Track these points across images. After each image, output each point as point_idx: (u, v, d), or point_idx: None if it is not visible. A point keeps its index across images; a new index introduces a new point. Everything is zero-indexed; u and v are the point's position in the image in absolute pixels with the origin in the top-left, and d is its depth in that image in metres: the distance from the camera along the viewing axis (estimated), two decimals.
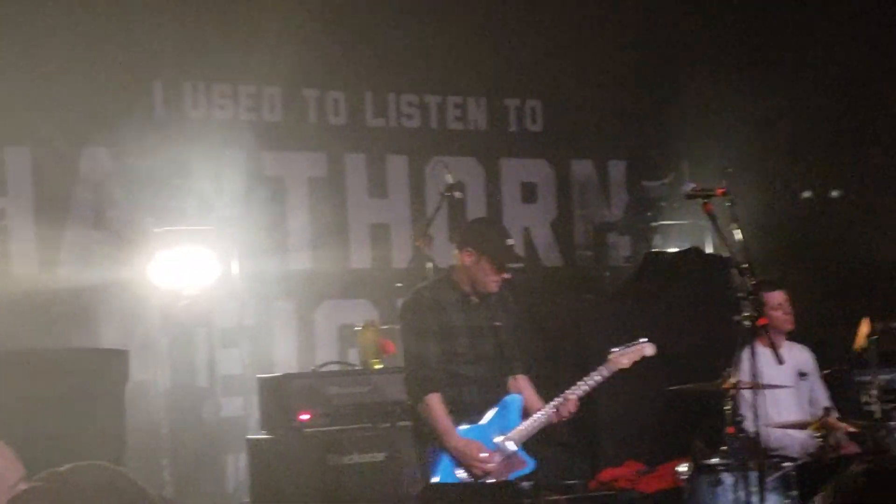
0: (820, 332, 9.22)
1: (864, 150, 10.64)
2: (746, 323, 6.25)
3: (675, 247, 10.26)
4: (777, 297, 8.02)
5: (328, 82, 9.72)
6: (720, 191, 6.45)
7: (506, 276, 6.46)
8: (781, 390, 7.48)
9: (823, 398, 7.98)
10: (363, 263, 9.77)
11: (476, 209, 9.83)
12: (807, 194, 10.64)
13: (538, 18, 10.14)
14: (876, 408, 7.65)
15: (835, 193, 10.66)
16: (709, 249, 10.11)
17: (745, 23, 10.59)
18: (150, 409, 8.66)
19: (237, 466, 8.84)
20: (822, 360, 8.47)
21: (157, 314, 8.70)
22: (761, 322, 6.23)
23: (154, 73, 9.18)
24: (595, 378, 6.55)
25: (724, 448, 6.75)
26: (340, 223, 9.73)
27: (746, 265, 6.38)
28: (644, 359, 6.70)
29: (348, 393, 7.91)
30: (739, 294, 6.31)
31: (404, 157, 10.02)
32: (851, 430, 7.34)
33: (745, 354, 6.71)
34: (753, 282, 6.33)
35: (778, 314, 7.97)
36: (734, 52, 10.47)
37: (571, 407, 6.47)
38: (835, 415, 7.49)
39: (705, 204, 6.43)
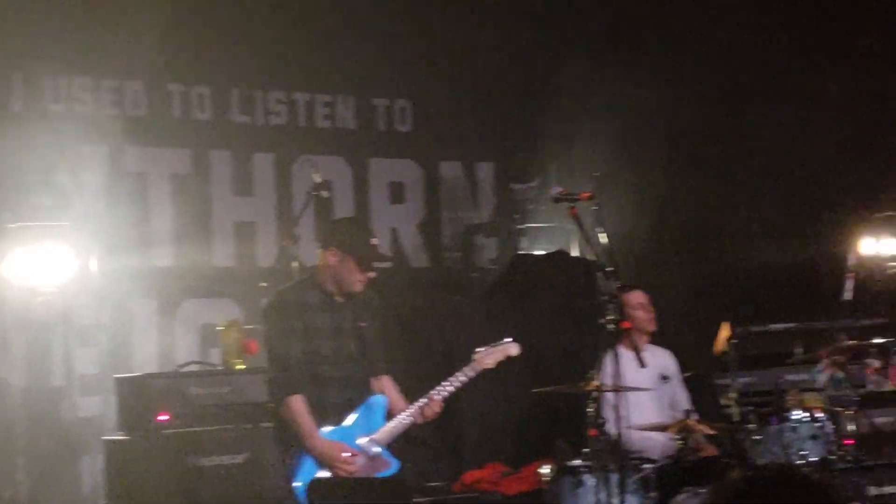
0: (681, 336, 9.34)
1: (728, 157, 10.80)
2: (610, 326, 6.29)
3: (541, 249, 10.32)
4: (637, 297, 8.10)
5: (194, 77, 9.55)
6: (585, 195, 6.49)
7: (371, 275, 6.41)
8: (643, 393, 7.55)
9: (684, 401, 8.07)
10: (227, 262, 9.63)
11: (343, 209, 9.75)
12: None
13: (408, 18, 10.08)
14: (734, 411, 7.76)
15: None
16: (575, 253, 10.18)
17: (614, 28, 10.68)
18: (4, 408, 8.45)
19: (94, 468, 8.62)
20: (684, 364, 8.57)
21: (12, 312, 8.47)
22: (624, 325, 6.27)
23: (13, 66, 8.93)
24: (460, 378, 6.53)
25: (586, 450, 6.79)
26: (204, 221, 9.57)
27: (612, 269, 6.42)
28: (509, 359, 6.69)
29: (209, 393, 7.81)
30: (604, 297, 6.34)
31: (271, 155, 9.89)
32: (710, 432, 7.43)
33: (609, 357, 6.77)
34: (618, 285, 6.38)
35: (639, 314, 8.05)
36: (604, 57, 10.54)
37: (436, 408, 6.45)
38: (694, 417, 7.58)
39: (571, 208, 6.45)
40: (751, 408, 7.94)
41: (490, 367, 6.60)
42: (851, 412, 8.05)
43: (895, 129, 10.74)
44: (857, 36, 10.60)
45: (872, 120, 10.84)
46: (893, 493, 8.29)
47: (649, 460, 7.27)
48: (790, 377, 8.93)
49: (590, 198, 6.49)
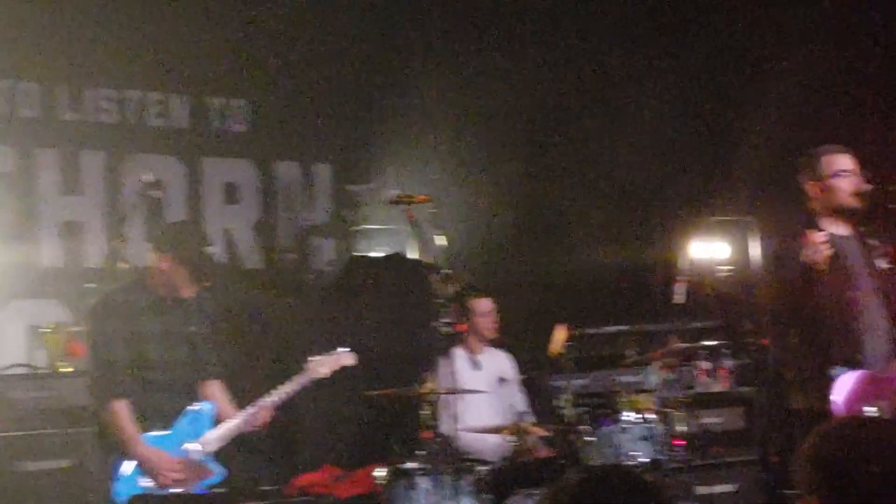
0: (519, 338, 9.39)
1: (564, 162, 10.89)
2: (445, 329, 6.28)
3: (379, 251, 10.25)
4: (485, 305, 8.14)
5: (20, 73, 9.25)
6: (422, 197, 6.47)
7: (205, 284, 6.31)
8: (480, 395, 7.57)
9: (521, 404, 8.11)
10: (54, 262, 9.34)
11: (176, 209, 9.55)
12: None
13: (245, 16, 9.93)
14: (569, 412, 7.81)
15: None
16: (413, 255, 10.14)
17: (454, 30, 10.66)
18: None
19: None
20: (521, 366, 8.62)
21: None
22: (459, 328, 6.26)
23: None
24: (291, 387, 6.48)
25: (421, 452, 6.77)
26: (30, 220, 9.27)
27: (449, 271, 6.41)
28: (343, 368, 6.67)
29: (33, 397, 7.58)
30: (439, 300, 6.32)
31: (101, 154, 9.63)
32: (544, 434, 7.47)
33: (444, 360, 6.75)
34: (456, 288, 6.37)
35: (484, 321, 8.08)
36: (443, 58, 10.53)
37: (265, 416, 6.38)
38: (529, 419, 7.61)
39: (407, 210, 6.42)
40: (585, 409, 8.01)
41: (324, 376, 6.56)
42: (681, 413, 8.18)
43: (725, 136, 10.96)
44: (685, 45, 10.78)
45: (702, 126, 11.06)
46: (721, 493, 8.47)
47: (484, 462, 7.29)
48: (623, 379, 9.03)
49: (426, 200, 6.46)
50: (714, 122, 11.09)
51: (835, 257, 6.35)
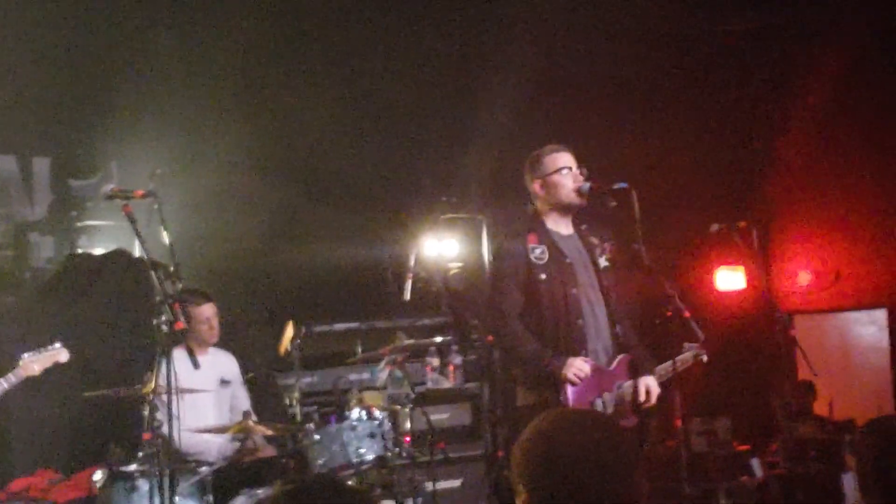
0: (248, 336, 9.27)
1: (297, 160, 10.80)
2: (164, 327, 6.10)
3: (101, 248, 9.93)
4: (206, 312, 7.98)
5: None
6: (140, 193, 6.26)
7: None
8: (203, 396, 7.43)
9: (245, 404, 7.98)
10: None
11: None
12: None
13: None
14: (297, 411, 7.75)
15: None
16: (137, 252, 9.86)
17: (183, 25, 10.41)
18: None
19: None
20: (251, 364, 8.50)
21: None
22: (178, 326, 6.08)
23: None
24: (2, 385, 6.20)
25: (141, 454, 6.59)
26: None
27: (172, 269, 6.24)
28: (57, 364, 6.43)
29: None
30: (158, 298, 6.14)
31: None
32: (269, 433, 7.37)
33: (164, 359, 6.56)
34: (179, 286, 6.21)
35: (204, 329, 7.93)
36: (171, 53, 10.27)
37: None
38: (253, 419, 7.49)
39: (125, 205, 6.22)
40: (315, 408, 7.96)
41: (36, 373, 6.33)
42: (408, 410, 8.23)
43: (458, 134, 11.08)
44: (414, 43, 10.85)
45: (435, 124, 11.17)
46: (447, 488, 8.57)
47: (206, 463, 7.16)
48: (353, 377, 9.04)
49: (144, 196, 6.27)
50: (448, 121, 11.21)
51: (556, 255, 6.49)
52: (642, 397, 6.41)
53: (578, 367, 6.28)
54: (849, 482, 9.64)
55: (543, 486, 3.02)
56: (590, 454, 3.00)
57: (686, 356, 6.62)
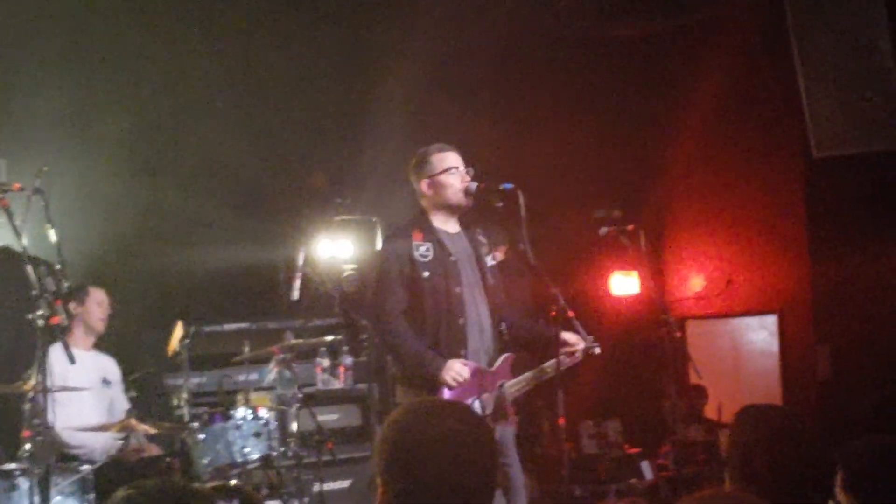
0: (135, 337, 9.18)
1: (188, 162, 10.71)
2: (41, 322, 6.02)
3: None
4: (100, 295, 7.93)
5: None
6: (16, 186, 6.18)
7: None
8: (85, 394, 7.35)
9: (124, 405, 7.90)
10: None
11: None
12: None
13: None
14: (185, 411, 7.70)
15: None
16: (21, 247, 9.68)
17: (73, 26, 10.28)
18: None
19: None
20: (138, 364, 8.43)
21: None
22: (54, 321, 6.00)
23: None
24: None
25: (21, 452, 6.49)
26: None
27: (58, 267, 6.18)
28: None
29: None
30: (34, 292, 6.05)
31: None
32: (152, 432, 7.31)
33: (44, 355, 6.47)
34: (66, 285, 6.15)
35: (96, 310, 7.87)
36: (61, 45, 10.12)
37: None
38: (136, 417, 7.43)
39: (1, 199, 6.13)
40: (204, 408, 7.91)
41: None
42: (296, 410, 8.20)
43: (353, 137, 11.09)
44: (310, 48, 10.83)
45: (330, 126, 11.16)
46: (335, 489, 8.56)
47: (89, 461, 7.08)
48: (241, 377, 8.99)
49: (20, 189, 6.18)
50: (341, 122, 11.20)
51: (441, 253, 6.50)
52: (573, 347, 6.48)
53: (457, 370, 6.28)
54: None
55: (396, 477, 2.97)
56: (442, 445, 2.95)
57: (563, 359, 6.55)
